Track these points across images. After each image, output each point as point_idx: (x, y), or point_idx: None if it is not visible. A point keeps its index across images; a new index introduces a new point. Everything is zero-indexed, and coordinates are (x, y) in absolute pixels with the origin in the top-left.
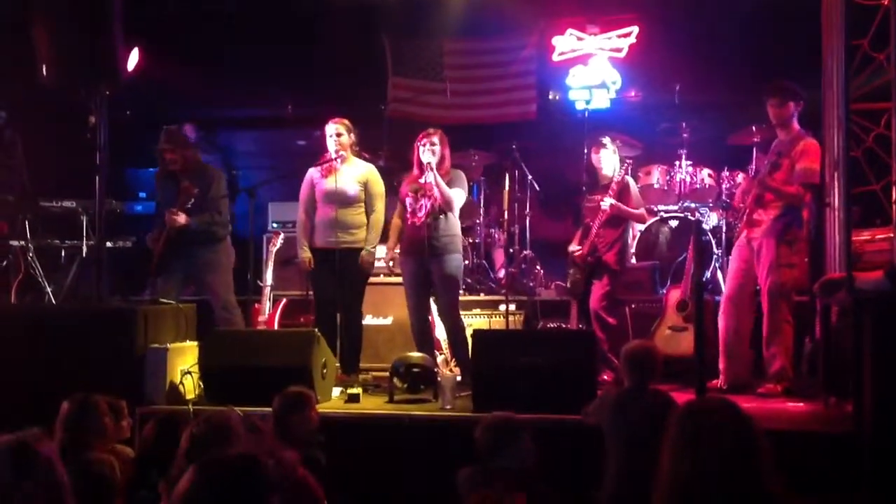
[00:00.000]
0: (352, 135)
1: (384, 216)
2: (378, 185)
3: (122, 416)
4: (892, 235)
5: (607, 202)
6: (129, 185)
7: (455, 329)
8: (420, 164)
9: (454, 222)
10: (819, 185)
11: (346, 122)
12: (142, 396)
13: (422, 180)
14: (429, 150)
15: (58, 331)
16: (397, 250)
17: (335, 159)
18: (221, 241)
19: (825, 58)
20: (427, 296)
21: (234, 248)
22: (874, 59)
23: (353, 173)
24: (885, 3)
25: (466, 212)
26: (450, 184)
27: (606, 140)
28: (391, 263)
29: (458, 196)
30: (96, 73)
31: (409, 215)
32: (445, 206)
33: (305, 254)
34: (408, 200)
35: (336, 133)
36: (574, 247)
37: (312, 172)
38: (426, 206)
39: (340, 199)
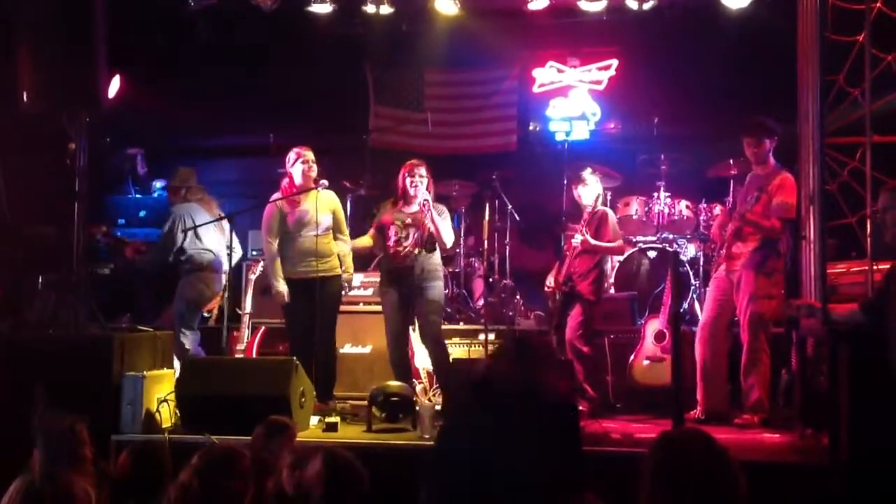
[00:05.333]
0: None
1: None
2: (342, 211)
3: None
4: (867, 268)
5: (578, 239)
6: (109, 212)
7: (441, 357)
8: (405, 193)
9: (437, 251)
10: (795, 219)
11: None
12: (118, 424)
13: (407, 210)
14: (418, 183)
15: (34, 358)
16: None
17: (315, 187)
18: (184, 275)
19: (801, 92)
20: (407, 326)
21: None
22: (849, 94)
23: (325, 201)
24: (860, 39)
25: None
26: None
27: (586, 174)
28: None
29: (449, 232)
30: (78, 99)
31: (392, 244)
32: (439, 242)
33: (283, 286)
34: (392, 229)
35: (312, 161)
36: (549, 281)
37: (279, 204)
38: (413, 237)
39: (319, 228)
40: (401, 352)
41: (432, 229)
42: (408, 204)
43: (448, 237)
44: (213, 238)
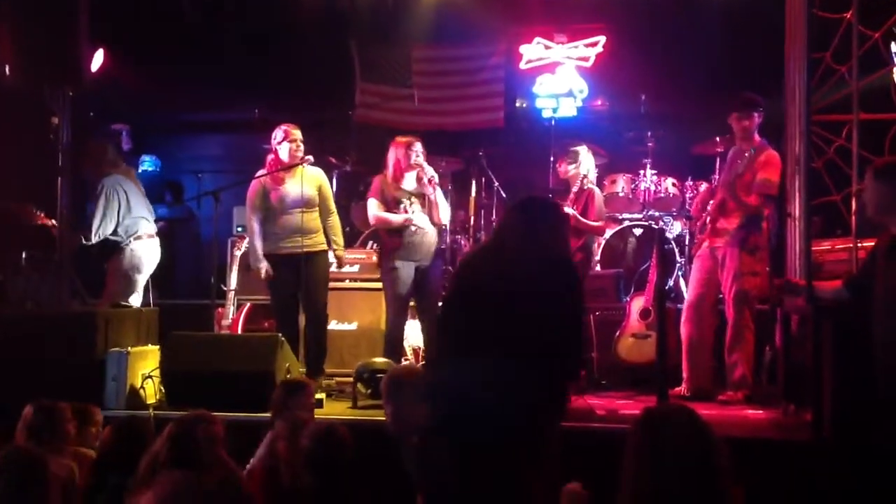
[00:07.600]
0: None
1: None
2: (329, 187)
3: (92, 422)
4: (851, 246)
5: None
6: (91, 187)
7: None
8: (401, 168)
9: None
10: (777, 196)
11: None
12: (102, 400)
13: (407, 187)
14: (421, 160)
15: (18, 335)
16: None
17: (301, 163)
18: (122, 246)
19: (787, 70)
20: (408, 303)
21: (171, 251)
22: (836, 72)
23: (310, 177)
24: (847, 16)
25: None
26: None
27: (580, 149)
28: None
29: (447, 208)
30: (60, 73)
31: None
32: (436, 218)
33: (264, 264)
34: (402, 206)
35: (300, 139)
36: None
37: (263, 180)
38: (421, 213)
39: (305, 204)
40: (399, 328)
41: (437, 210)
42: (405, 180)
43: (445, 214)
44: (141, 206)
